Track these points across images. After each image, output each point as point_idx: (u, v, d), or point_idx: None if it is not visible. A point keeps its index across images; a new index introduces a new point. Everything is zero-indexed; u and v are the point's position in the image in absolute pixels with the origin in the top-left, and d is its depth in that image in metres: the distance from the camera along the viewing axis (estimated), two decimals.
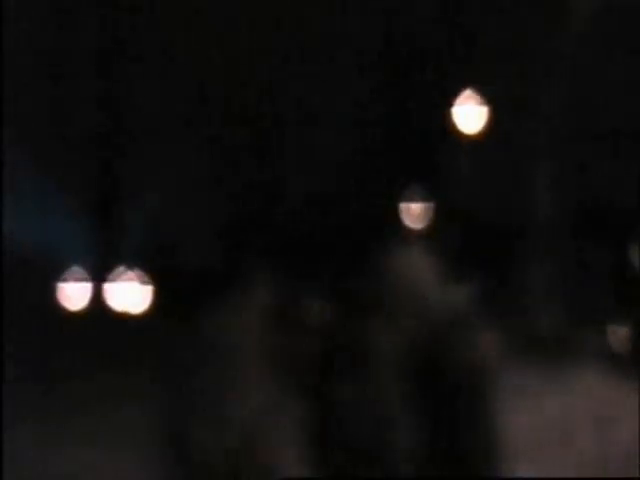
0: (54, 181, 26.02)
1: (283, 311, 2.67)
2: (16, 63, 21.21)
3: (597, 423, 8.75)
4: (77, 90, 23.68)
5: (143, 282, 38.60)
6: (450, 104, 23.46)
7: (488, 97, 20.31)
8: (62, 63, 22.99)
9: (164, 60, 22.33)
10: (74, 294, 34.97)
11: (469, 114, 23.61)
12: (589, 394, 9.38)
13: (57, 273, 41.06)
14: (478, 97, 22.68)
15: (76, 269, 38.03)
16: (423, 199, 25.23)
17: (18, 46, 21.66)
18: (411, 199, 25.65)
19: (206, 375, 2.43)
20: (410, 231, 22.28)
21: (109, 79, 23.70)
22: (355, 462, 2.85)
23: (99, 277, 27.00)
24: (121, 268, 33.80)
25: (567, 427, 8.70)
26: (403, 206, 26.36)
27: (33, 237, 39.37)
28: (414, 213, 25.96)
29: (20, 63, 21.73)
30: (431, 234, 21.99)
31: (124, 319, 30.27)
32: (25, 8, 20.95)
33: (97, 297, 27.27)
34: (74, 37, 22.34)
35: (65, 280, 37.29)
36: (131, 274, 39.03)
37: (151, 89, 23.28)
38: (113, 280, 28.80)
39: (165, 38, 21.98)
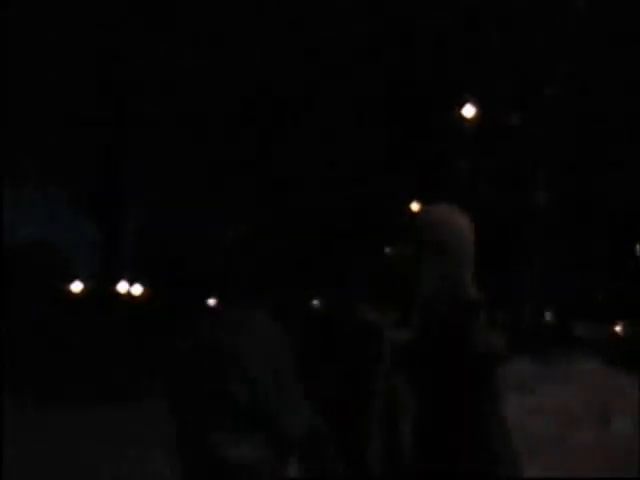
0: (57, 187, 26.00)
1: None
2: (17, 64, 21.22)
3: (597, 415, 8.79)
4: (80, 95, 23.69)
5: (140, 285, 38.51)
6: (453, 106, 23.55)
7: (489, 98, 20.36)
8: (63, 64, 23.00)
9: (167, 61, 22.33)
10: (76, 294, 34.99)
11: (471, 115, 23.71)
12: (589, 387, 9.41)
13: (60, 277, 40.92)
14: (480, 98, 22.79)
15: (78, 282, 38.04)
16: (426, 199, 25.28)
17: (19, 47, 21.67)
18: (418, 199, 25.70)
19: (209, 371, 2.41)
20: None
21: (112, 83, 23.68)
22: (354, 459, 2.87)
23: (101, 286, 27.06)
24: (122, 282, 33.96)
25: (567, 419, 8.74)
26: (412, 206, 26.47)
27: (35, 242, 39.30)
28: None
29: (21, 64, 21.75)
30: None
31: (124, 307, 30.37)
32: (26, 7, 20.94)
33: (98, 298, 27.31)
34: (75, 36, 22.34)
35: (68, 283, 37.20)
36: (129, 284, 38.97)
37: (155, 92, 23.28)
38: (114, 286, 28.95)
39: (167, 38, 21.98)
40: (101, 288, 26.95)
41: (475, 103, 23.29)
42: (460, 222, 2.40)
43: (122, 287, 36.89)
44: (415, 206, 26.58)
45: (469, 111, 23.77)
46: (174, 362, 2.52)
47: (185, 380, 2.43)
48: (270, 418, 2.32)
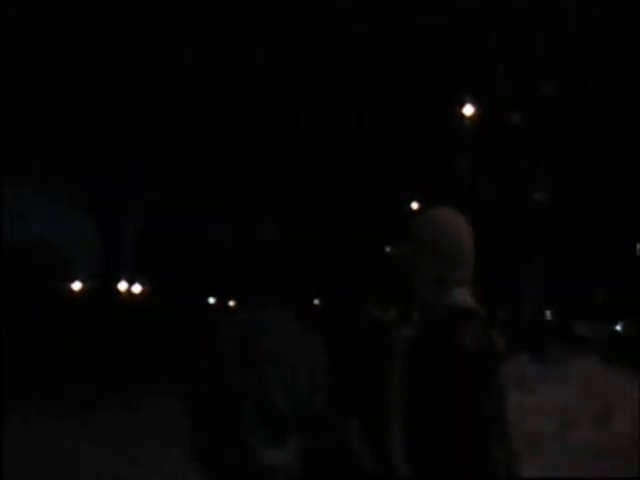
0: (59, 189, 25.97)
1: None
2: (17, 64, 21.21)
3: (596, 415, 8.80)
4: (81, 96, 23.67)
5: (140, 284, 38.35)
6: (453, 105, 23.55)
7: (490, 97, 20.35)
8: (63, 64, 23.00)
9: (167, 61, 22.33)
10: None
11: (471, 114, 23.74)
12: (589, 386, 9.42)
13: (60, 276, 40.73)
14: (480, 98, 22.79)
15: (78, 282, 37.99)
16: (427, 200, 25.33)
17: (19, 46, 21.66)
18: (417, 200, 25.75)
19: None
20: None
21: (112, 82, 23.68)
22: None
23: (101, 286, 27.04)
24: (122, 282, 33.94)
25: (566, 419, 8.75)
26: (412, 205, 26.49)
27: (35, 242, 39.16)
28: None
29: (21, 64, 21.73)
30: None
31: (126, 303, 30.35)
32: (26, 7, 20.92)
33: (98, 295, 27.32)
34: (76, 36, 22.33)
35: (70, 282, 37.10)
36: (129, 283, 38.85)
37: (158, 93, 23.28)
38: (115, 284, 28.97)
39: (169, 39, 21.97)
40: (101, 287, 26.96)
41: (475, 103, 23.30)
42: (458, 224, 2.41)
43: (122, 286, 36.94)
44: (415, 206, 26.58)
45: (469, 110, 23.79)
46: (204, 365, 2.46)
47: (218, 383, 2.38)
48: (305, 420, 2.31)
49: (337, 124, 23.34)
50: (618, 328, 26.24)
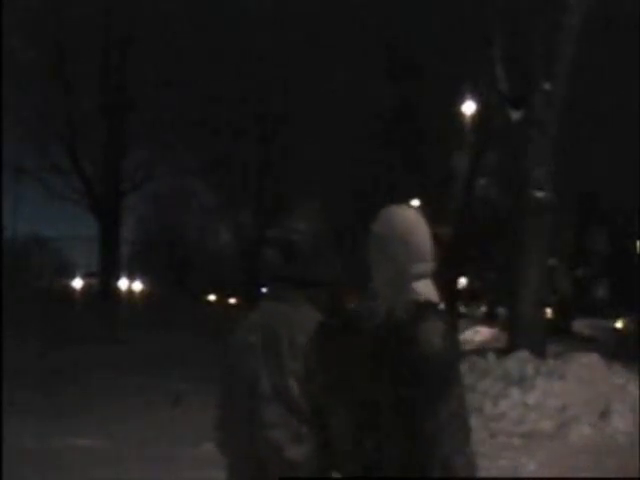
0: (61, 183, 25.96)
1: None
2: (18, 64, 21.20)
3: (596, 411, 8.81)
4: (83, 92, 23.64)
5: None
6: (454, 103, 23.53)
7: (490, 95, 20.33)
8: (65, 62, 23.01)
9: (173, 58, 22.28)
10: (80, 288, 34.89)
11: (471, 112, 23.73)
12: (589, 383, 9.43)
13: (60, 274, 40.59)
14: (480, 96, 22.74)
15: (78, 279, 37.91)
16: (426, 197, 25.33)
17: (19, 44, 21.62)
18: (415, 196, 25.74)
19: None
20: None
21: (116, 79, 23.64)
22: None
23: (102, 283, 27.00)
24: (123, 279, 33.93)
25: (566, 415, 8.76)
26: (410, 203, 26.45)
27: (36, 240, 39.02)
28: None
29: (21, 65, 21.72)
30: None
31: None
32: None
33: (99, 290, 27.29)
34: (76, 33, 22.32)
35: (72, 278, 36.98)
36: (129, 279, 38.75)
37: (160, 86, 23.25)
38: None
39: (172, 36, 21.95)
40: (101, 285, 26.97)
41: (475, 100, 23.26)
42: (412, 218, 2.39)
43: (122, 284, 36.97)
44: (415, 204, 26.56)
45: (469, 108, 23.76)
46: (230, 358, 2.47)
47: (242, 376, 2.39)
48: (321, 414, 2.29)
49: (337, 124, 23.32)
50: (618, 325, 26.26)
